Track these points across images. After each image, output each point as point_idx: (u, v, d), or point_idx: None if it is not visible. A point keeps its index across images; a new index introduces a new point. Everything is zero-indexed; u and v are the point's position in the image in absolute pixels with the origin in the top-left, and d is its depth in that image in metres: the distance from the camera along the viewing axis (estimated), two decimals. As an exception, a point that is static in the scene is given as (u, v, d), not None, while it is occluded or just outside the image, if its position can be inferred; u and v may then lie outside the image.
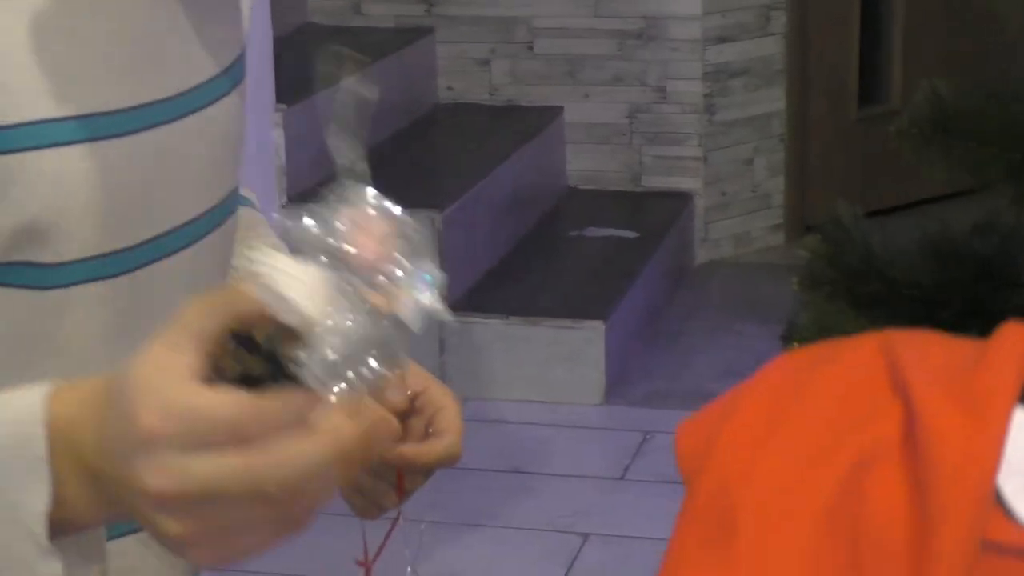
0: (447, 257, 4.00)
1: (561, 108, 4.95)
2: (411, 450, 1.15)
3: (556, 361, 4.10)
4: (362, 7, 5.09)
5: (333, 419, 0.77)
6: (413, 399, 1.15)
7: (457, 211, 4.26)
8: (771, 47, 4.89)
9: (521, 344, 4.12)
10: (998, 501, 0.67)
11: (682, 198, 4.93)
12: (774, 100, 4.98)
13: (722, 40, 4.76)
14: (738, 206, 4.99)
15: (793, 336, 2.12)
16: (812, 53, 4.94)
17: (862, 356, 0.73)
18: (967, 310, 1.88)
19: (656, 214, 4.83)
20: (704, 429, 0.75)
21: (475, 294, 4.25)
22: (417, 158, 4.64)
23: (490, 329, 4.14)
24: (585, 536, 3.45)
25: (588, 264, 4.60)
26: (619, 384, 4.14)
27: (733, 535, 0.71)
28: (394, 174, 4.00)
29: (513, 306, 4.23)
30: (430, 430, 1.17)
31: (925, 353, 0.72)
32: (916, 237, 2.15)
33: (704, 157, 4.85)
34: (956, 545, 0.66)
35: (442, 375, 3.74)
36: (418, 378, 1.16)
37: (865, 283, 2.08)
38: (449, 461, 1.17)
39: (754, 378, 0.76)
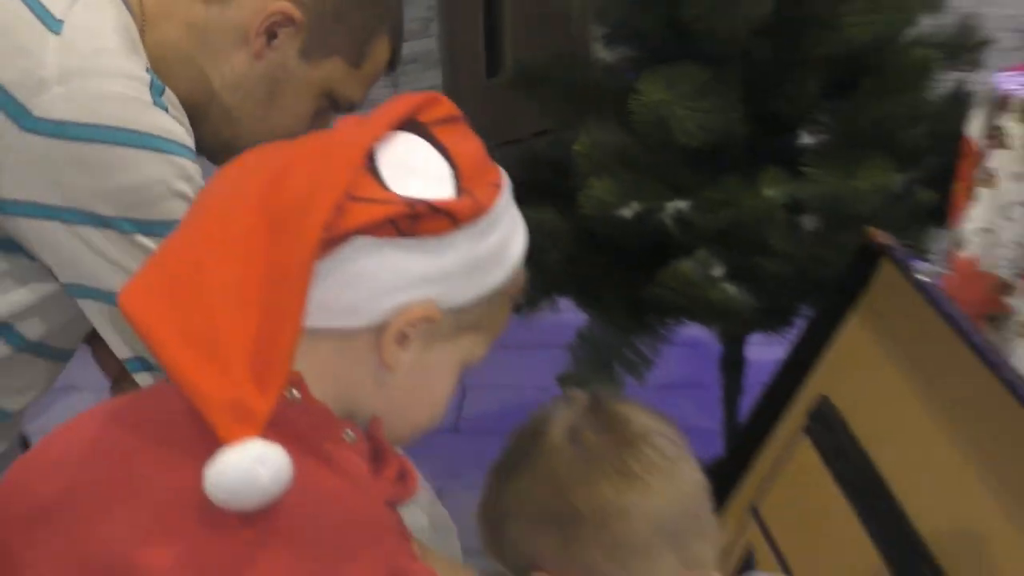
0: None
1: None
2: None
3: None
4: None
5: None
6: None
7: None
8: (430, 45, 5.15)
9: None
10: (373, 173, 0.87)
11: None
12: (436, 80, 5.18)
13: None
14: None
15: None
16: (456, 46, 5.25)
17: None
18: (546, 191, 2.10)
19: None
20: None
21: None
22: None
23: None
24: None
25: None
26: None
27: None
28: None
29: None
30: None
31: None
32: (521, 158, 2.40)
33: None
34: (328, 188, 0.84)
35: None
36: None
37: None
38: None
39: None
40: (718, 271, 1.93)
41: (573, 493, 0.98)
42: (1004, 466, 1.27)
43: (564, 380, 2.06)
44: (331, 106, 1.32)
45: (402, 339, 0.90)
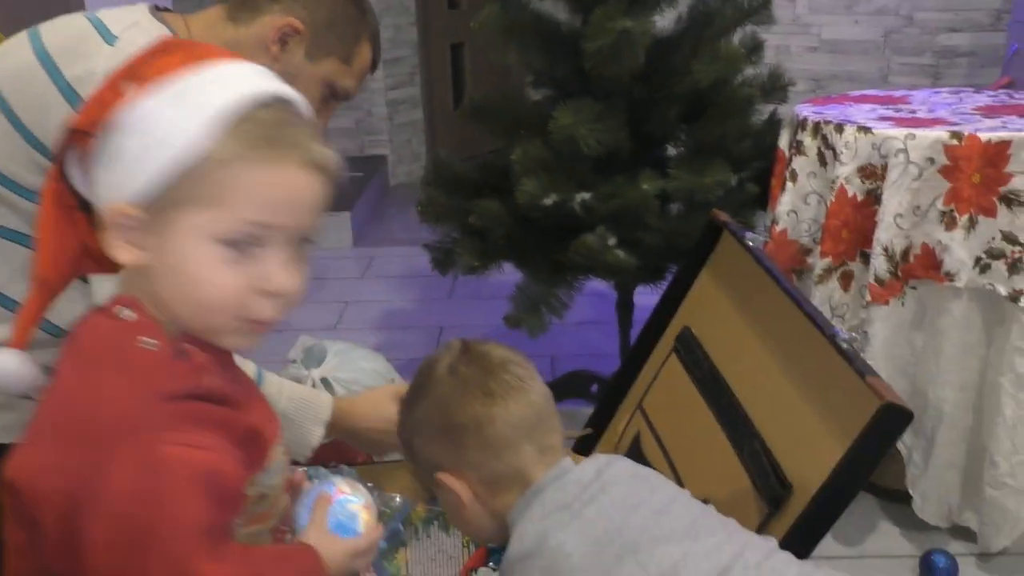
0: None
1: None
2: None
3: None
4: None
5: None
6: None
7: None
8: (416, 91, 4.93)
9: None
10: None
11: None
12: (419, 114, 5.03)
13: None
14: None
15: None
16: (432, 91, 5.04)
17: None
18: (494, 189, 2.09)
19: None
20: None
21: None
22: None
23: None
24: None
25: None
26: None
27: None
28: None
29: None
30: None
31: None
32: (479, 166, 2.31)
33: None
34: None
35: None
36: None
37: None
38: None
39: None
40: (612, 241, 1.92)
41: (454, 411, 0.98)
42: (802, 367, 1.27)
43: (508, 320, 2.04)
44: (332, 95, 1.30)
45: (123, 237, 0.74)
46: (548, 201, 1.88)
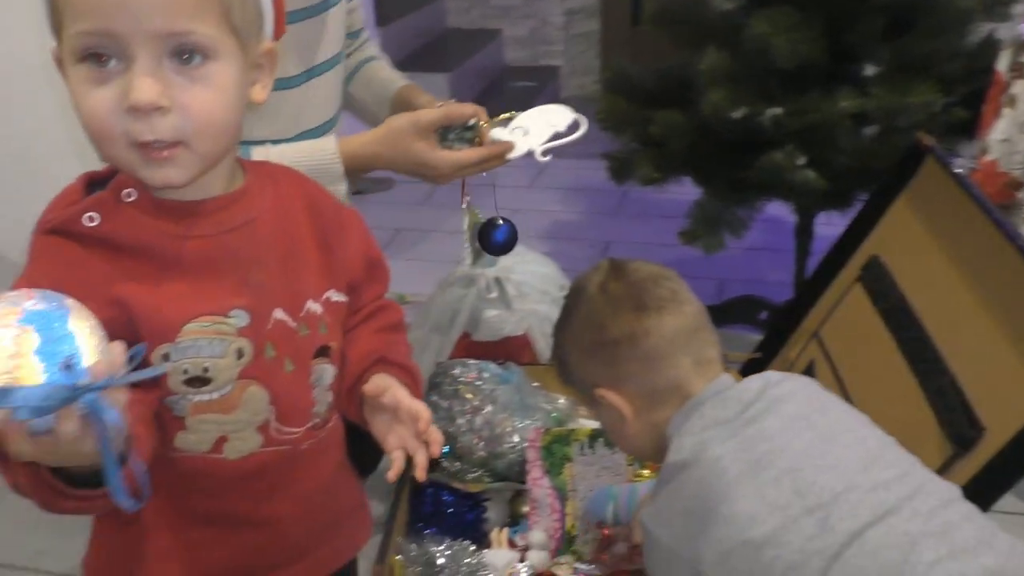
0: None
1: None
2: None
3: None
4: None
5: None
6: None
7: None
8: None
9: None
10: None
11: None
12: (595, 26, 4.92)
13: None
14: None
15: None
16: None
17: None
18: (673, 99, 2.13)
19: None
20: None
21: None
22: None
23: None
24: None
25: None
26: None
27: None
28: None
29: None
30: None
31: None
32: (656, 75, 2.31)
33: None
34: None
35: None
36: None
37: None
38: None
39: None
40: (801, 161, 1.83)
41: (607, 326, 0.97)
42: (1006, 306, 1.18)
43: (684, 235, 2.00)
44: None
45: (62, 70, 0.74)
46: (737, 114, 1.81)
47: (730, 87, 1.82)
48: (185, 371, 0.78)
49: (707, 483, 0.87)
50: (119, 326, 0.71)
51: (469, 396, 1.25)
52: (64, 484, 0.70)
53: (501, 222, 1.37)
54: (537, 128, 1.16)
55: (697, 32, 2.06)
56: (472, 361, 1.34)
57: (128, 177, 0.77)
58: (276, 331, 0.82)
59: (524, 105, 1.26)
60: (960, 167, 1.40)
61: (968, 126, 1.91)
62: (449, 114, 1.15)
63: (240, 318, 0.80)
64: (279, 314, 0.83)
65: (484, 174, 1.18)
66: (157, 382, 0.78)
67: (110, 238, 0.76)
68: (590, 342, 0.98)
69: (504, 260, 1.55)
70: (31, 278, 0.73)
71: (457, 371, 1.30)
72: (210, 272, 0.80)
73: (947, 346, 1.25)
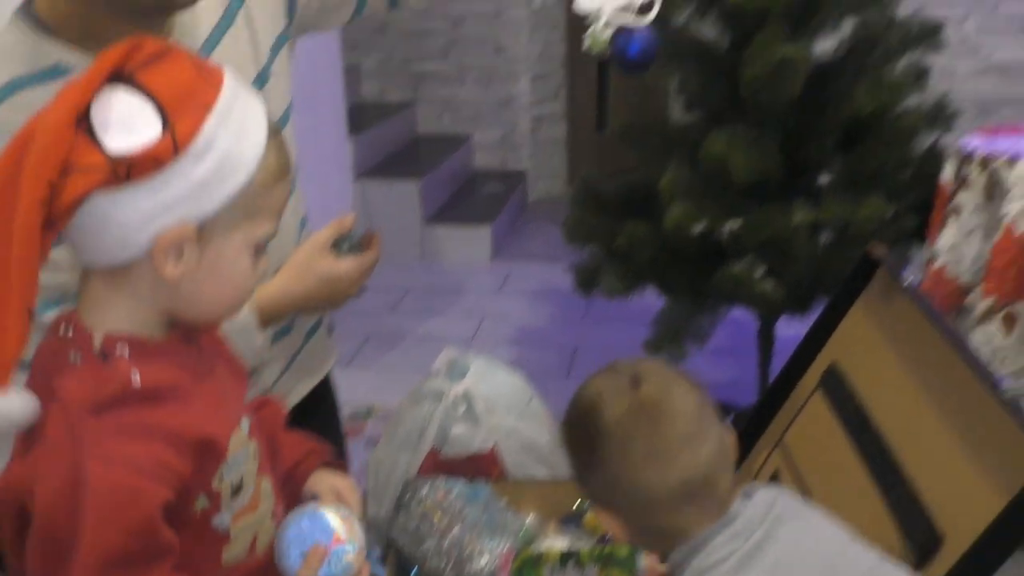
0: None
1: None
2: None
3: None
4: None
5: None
6: None
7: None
8: (559, 106, 4.99)
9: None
10: (89, 133, 0.70)
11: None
12: (563, 131, 5.12)
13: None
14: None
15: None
16: (576, 107, 5.01)
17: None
18: (640, 210, 2.37)
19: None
20: None
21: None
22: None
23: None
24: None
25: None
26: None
27: None
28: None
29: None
30: None
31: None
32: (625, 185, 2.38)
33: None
34: (32, 174, 0.68)
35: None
36: None
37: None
38: None
39: None
40: (759, 272, 1.90)
41: (611, 465, 0.91)
42: (958, 414, 1.21)
43: (649, 345, 2.04)
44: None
45: (175, 256, 0.76)
46: (697, 228, 1.88)
47: (691, 202, 1.90)
48: (231, 485, 0.83)
49: None
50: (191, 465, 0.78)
51: (437, 517, 1.25)
52: None
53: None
54: None
55: (659, 146, 2.16)
56: (440, 479, 1.35)
57: (115, 337, 0.78)
58: (253, 426, 0.88)
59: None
60: (910, 276, 1.46)
61: (919, 232, 1.99)
62: (339, 225, 1.15)
63: (247, 420, 0.87)
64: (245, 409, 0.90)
65: None
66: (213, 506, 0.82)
67: (152, 388, 0.78)
68: (592, 467, 0.93)
69: (472, 374, 1.58)
70: (133, 461, 0.74)
71: (425, 491, 1.31)
72: (220, 380, 0.86)
73: (905, 454, 1.28)
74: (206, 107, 0.74)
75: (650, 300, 2.22)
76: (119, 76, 0.73)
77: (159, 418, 0.76)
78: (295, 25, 1.21)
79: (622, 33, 1.03)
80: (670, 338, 2.00)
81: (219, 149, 0.74)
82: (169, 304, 0.79)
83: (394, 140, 4.61)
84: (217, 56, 1.08)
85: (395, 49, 4.99)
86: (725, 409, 2.36)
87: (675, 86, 2.08)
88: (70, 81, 0.73)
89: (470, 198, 4.60)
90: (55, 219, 0.71)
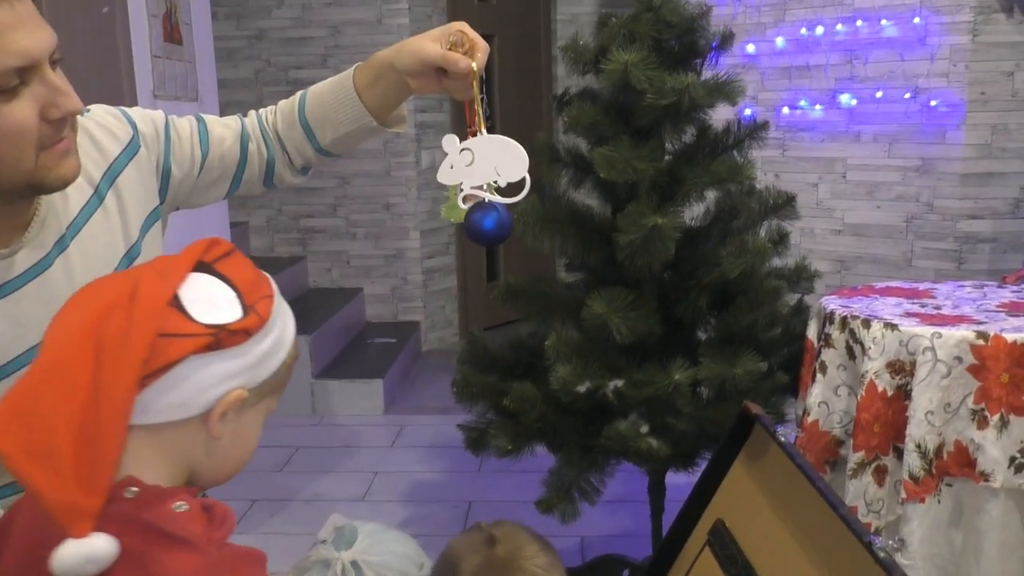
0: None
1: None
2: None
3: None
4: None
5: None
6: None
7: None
8: (451, 260, 5.26)
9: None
10: (180, 309, 0.82)
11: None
12: (452, 282, 5.45)
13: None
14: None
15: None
16: (467, 260, 5.23)
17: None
18: (528, 369, 2.20)
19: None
20: None
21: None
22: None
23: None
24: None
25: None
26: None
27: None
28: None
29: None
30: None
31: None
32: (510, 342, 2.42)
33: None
34: (140, 335, 0.79)
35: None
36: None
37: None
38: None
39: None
40: (644, 429, 1.94)
41: None
42: (835, 570, 1.25)
43: (540, 504, 2.04)
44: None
45: (223, 417, 0.87)
46: (582, 388, 1.92)
47: (575, 362, 1.94)
48: None
49: None
50: None
51: None
52: None
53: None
54: (483, 166, 1.07)
55: (544, 306, 2.22)
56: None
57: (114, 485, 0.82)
58: None
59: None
60: (785, 432, 1.51)
61: (791, 387, 2.09)
62: (446, 58, 1.14)
63: None
64: None
65: None
66: None
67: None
68: None
69: (361, 541, 1.53)
70: None
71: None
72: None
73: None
74: (268, 297, 0.91)
75: (542, 452, 2.23)
76: (201, 266, 0.88)
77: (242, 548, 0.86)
78: (167, 203, 1.26)
79: (481, 207, 1.08)
80: (561, 497, 2.00)
81: (277, 329, 0.90)
82: (196, 464, 0.89)
83: (284, 295, 4.57)
84: (86, 233, 1.13)
85: (284, 206, 5.04)
86: (623, 564, 2.35)
87: (556, 250, 2.15)
88: (158, 268, 0.86)
89: (362, 351, 4.58)
90: (147, 378, 0.80)
